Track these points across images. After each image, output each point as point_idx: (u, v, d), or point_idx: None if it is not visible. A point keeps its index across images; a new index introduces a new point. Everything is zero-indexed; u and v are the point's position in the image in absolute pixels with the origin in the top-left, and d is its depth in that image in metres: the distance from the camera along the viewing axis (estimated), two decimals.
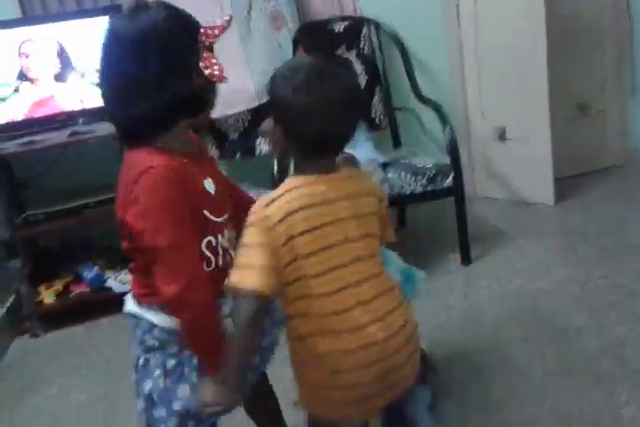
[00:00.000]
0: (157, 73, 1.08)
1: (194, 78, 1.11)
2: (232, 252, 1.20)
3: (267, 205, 1.09)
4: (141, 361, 1.21)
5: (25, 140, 2.57)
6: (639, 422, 1.56)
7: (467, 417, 1.67)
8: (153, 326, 1.19)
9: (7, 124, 2.64)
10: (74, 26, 2.68)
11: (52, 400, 2.07)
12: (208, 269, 1.17)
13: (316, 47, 2.49)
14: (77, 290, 2.61)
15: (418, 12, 3.09)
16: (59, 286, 2.61)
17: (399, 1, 3.08)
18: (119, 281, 2.60)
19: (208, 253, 1.17)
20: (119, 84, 1.12)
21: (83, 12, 2.79)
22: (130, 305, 1.25)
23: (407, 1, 3.09)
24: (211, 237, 1.17)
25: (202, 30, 1.14)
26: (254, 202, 1.15)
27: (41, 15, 2.81)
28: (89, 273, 2.61)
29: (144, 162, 1.11)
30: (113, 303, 2.57)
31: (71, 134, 2.58)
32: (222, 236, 1.20)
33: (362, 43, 2.96)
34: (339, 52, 2.92)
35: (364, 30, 2.97)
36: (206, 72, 1.12)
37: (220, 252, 1.19)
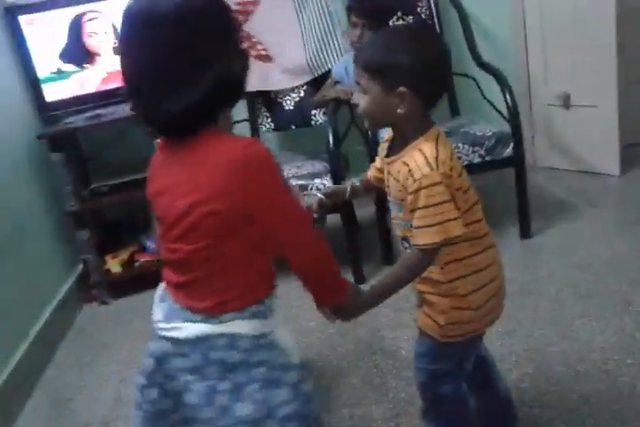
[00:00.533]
0: (205, 57, 0.99)
1: (240, 59, 1.05)
2: None
3: (433, 167, 1.15)
4: (226, 387, 1.07)
5: (91, 113, 2.65)
6: None
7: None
8: (235, 338, 1.06)
9: (74, 97, 2.71)
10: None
11: (121, 364, 2.18)
12: None
13: (369, 13, 2.42)
14: (142, 259, 2.71)
15: None
16: (124, 255, 2.72)
17: None
18: None
19: None
20: (165, 73, 0.99)
21: None
22: (192, 329, 1.07)
23: None
24: None
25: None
26: None
27: None
28: (152, 243, 2.70)
29: (232, 144, 1.03)
30: None
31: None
32: None
33: (419, 7, 2.88)
34: (395, 18, 2.86)
35: None
36: (252, 53, 1.09)
37: None
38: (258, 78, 2.79)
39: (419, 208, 1.14)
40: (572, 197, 2.81)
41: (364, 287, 1.24)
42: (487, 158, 2.47)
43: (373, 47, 1.21)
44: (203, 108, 1.01)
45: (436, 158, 1.15)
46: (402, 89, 1.15)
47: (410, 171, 1.16)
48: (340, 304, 1.19)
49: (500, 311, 1.31)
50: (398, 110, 1.17)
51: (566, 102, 3.07)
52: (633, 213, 2.61)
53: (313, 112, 2.85)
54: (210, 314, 1.06)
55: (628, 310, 1.92)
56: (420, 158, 1.16)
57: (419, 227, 1.15)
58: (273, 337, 1.09)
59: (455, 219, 1.14)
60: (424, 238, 1.15)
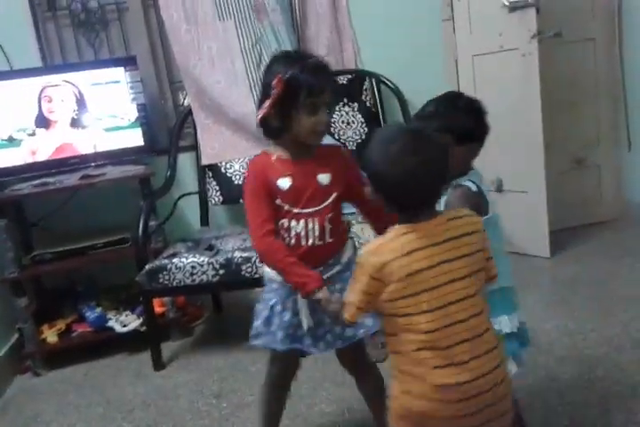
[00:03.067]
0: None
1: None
2: (310, 239, 1.49)
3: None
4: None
5: (39, 181, 2.68)
6: None
7: None
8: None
9: (23, 166, 2.75)
10: (91, 75, 2.83)
11: None
12: (286, 242, 1.50)
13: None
14: (80, 330, 2.67)
15: (419, 66, 3.22)
16: (61, 325, 2.67)
17: (400, 55, 3.21)
18: (120, 322, 2.66)
19: (282, 231, 1.50)
20: None
21: (100, 63, 2.95)
22: None
23: (408, 55, 3.22)
24: (284, 220, 1.50)
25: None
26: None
27: (61, 64, 2.97)
28: (92, 313, 2.67)
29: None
30: (114, 344, 2.68)
31: (82, 177, 2.69)
32: (297, 222, 1.49)
33: (364, 95, 3.09)
34: (341, 104, 3.05)
35: (366, 83, 3.11)
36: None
37: (293, 234, 1.49)
38: (224, 147, 2.92)
39: None
40: None
41: None
42: None
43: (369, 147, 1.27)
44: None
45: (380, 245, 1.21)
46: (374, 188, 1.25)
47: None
48: (307, 295, 1.42)
49: None
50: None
51: (499, 187, 3.28)
52: (560, 293, 2.76)
53: None
54: None
55: (554, 385, 2.00)
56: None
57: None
58: None
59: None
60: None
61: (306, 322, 1.51)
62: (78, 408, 2.29)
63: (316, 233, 1.49)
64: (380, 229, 1.44)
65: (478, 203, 1.47)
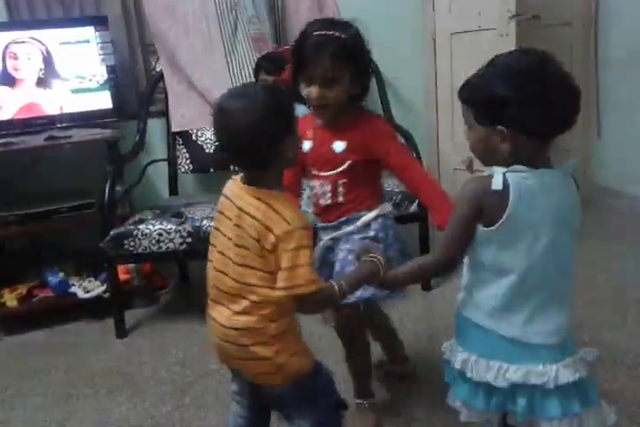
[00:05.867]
0: None
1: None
2: (323, 199, 1.63)
3: None
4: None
5: (1, 141, 2.59)
6: None
7: None
8: None
9: None
10: (59, 33, 2.73)
11: (6, 404, 2.07)
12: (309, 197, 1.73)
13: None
14: (41, 295, 2.62)
15: (398, 43, 3.20)
16: (22, 289, 2.61)
17: (380, 31, 3.17)
18: (83, 288, 2.61)
19: (306, 187, 1.73)
20: None
21: (69, 21, 2.84)
22: None
23: (388, 31, 3.19)
24: (306, 178, 1.69)
25: None
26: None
27: (28, 20, 2.84)
28: (54, 278, 2.62)
29: None
30: (76, 309, 2.64)
31: (48, 138, 2.61)
32: (315, 183, 1.64)
33: None
34: None
35: None
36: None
37: (313, 192, 1.66)
38: (195, 115, 2.86)
39: None
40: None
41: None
42: (393, 213, 2.59)
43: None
44: None
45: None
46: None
47: None
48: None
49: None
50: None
51: (470, 167, 3.29)
52: None
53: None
54: None
55: None
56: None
57: None
58: None
59: None
60: None
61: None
62: (38, 373, 2.25)
63: (328, 195, 1.62)
64: (426, 200, 1.64)
65: (488, 203, 1.15)
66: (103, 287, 2.60)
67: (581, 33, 3.40)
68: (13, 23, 2.80)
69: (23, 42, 2.67)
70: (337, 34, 1.51)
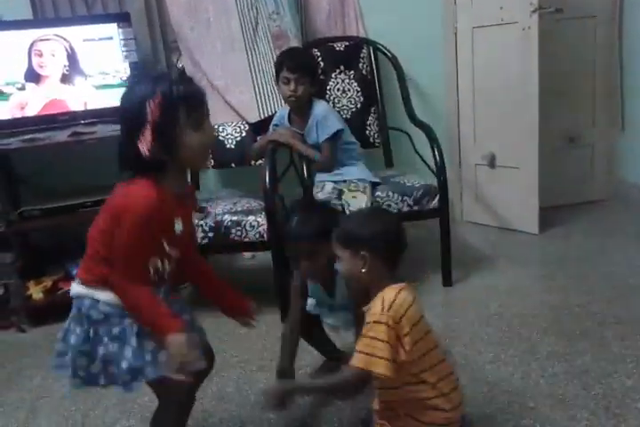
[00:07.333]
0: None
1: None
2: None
3: (385, 307, 1.38)
4: (91, 333, 1.40)
5: (27, 136, 2.63)
6: None
7: None
8: (97, 302, 1.40)
9: (11, 120, 2.71)
10: (83, 30, 2.76)
11: (33, 393, 2.11)
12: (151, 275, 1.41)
13: (301, 68, 2.55)
14: (66, 287, 2.65)
15: (419, 36, 3.19)
16: (48, 282, 2.66)
17: (401, 24, 3.17)
18: None
19: (150, 268, 1.40)
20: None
21: (92, 18, 2.88)
22: (76, 289, 1.45)
23: (409, 25, 3.18)
24: (158, 259, 1.42)
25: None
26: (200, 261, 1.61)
27: (52, 18, 2.89)
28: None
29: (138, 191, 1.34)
30: None
31: (72, 134, 2.65)
32: (168, 262, 1.44)
33: (361, 63, 3.05)
34: (337, 71, 3.02)
35: (364, 51, 3.07)
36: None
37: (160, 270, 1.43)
38: (216, 111, 2.87)
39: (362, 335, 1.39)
40: (493, 251, 2.98)
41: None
42: (415, 208, 2.60)
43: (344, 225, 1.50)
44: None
45: (392, 302, 1.37)
46: (363, 256, 1.41)
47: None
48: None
49: None
50: (362, 270, 1.42)
51: (492, 162, 3.28)
52: (546, 269, 2.78)
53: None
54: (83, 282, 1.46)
55: (535, 357, 2.03)
56: (378, 301, 1.39)
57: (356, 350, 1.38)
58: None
59: (382, 358, 1.33)
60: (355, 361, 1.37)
61: None
62: None
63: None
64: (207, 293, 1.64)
65: None
66: None
67: (606, 26, 3.35)
68: (38, 21, 2.85)
69: (48, 39, 2.72)
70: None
